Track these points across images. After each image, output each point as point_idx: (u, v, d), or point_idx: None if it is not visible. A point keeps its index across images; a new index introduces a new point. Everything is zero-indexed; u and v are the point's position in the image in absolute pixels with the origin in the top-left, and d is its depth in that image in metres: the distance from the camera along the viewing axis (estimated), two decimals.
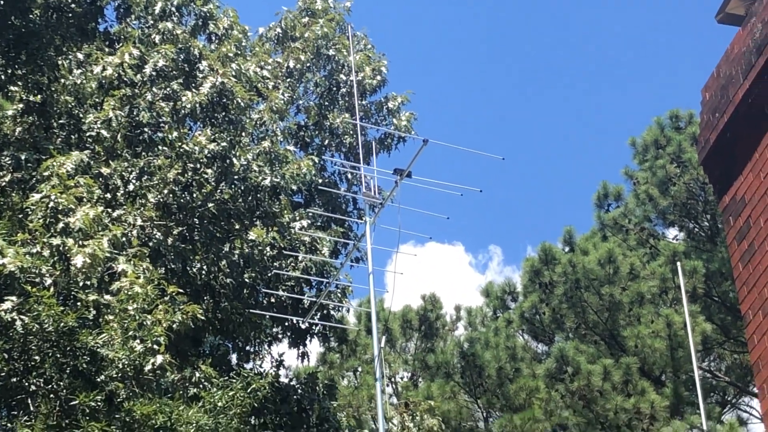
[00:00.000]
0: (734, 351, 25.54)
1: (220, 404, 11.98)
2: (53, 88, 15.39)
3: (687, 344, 21.32)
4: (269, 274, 16.22)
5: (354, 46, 20.21)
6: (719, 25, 7.53)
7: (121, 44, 16.11)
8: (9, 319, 10.62)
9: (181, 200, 15.46)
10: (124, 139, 15.46)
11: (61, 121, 15.60)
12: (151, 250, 14.04)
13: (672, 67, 56.32)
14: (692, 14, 54.63)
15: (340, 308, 18.23)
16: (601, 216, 26.85)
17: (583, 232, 26.73)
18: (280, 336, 17.94)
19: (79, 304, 11.71)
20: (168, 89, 15.75)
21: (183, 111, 15.65)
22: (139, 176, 15.26)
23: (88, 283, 12.11)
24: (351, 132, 19.46)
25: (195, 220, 15.71)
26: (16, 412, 11.13)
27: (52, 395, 10.78)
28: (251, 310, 15.90)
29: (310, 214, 17.32)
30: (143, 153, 15.51)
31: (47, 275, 11.48)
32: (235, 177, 15.82)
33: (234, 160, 15.70)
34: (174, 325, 11.98)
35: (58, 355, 10.81)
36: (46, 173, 12.90)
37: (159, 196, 15.23)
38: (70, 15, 15.54)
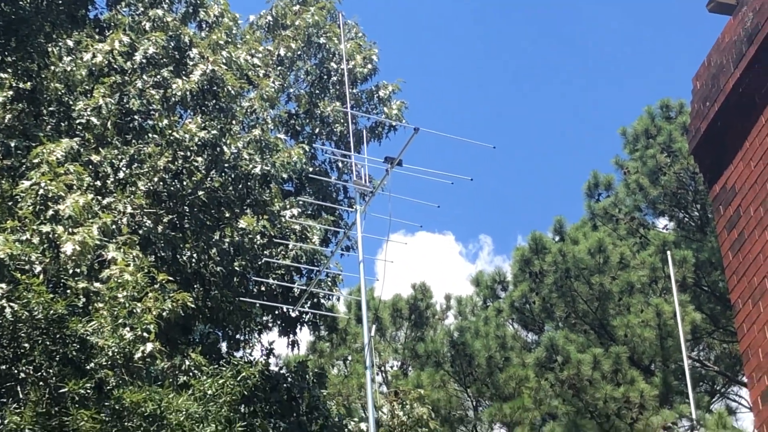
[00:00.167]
0: (723, 340, 25.60)
1: (209, 392, 11.96)
2: (43, 75, 15.34)
3: (676, 334, 21.36)
4: (259, 263, 16.21)
5: (345, 35, 20.19)
6: (710, 14, 7.52)
7: (111, 31, 16.06)
8: None
9: (172, 188, 15.44)
10: (114, 126, 15.43)
11: (51, 109, 15.55)
12: (141, 238, 14.02)
13: (663, 56, 56.39)
14: (683, 3, 54.67)
15: (331, 297, 18.21)
16: (591, 206, 26.86)
17: (573, 222, 26.78)
18: (270, 324, 17.94)
19: (68, 291, 11.69)
20: (158, 77, 15.72)
21: (173, 99, 15.63)
22: (129, 164, 15.22)
23: (78, 270, 12.09)
24: (342, 120, 19.44)
25: (185, 208, 15.69)
26: (5, 400, 11.10)
27: (41, 383, 10.75)
28: (241, 299, 15.89)
29: (301, 202, 17.30)
30: (133, 140, 15.48)
31: (37, 262, 11.45)
32: (226, 165, 15.80)
33: (224, 148, 15.67)
34: (164, 313, 11.96)
35: (48, 343, 10.78)
36: (35, 160, 12.87)
37: (149, 184, 15.20)
38: (60, 2, 15.50)
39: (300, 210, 17.14)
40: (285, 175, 17.00)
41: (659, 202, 26.32)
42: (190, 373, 13.31)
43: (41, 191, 12.30)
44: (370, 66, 20.00)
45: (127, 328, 11.25)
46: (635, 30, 56.53)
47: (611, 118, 58.06)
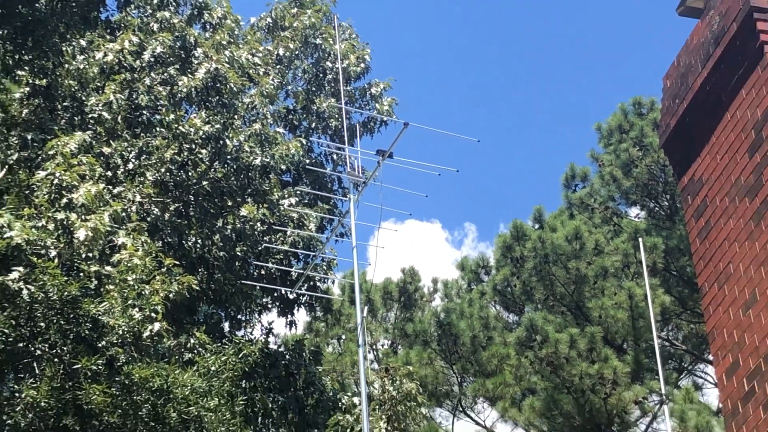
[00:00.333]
0: (691, 321, 25.67)
1: (213, 368, 12.00)
2: (58, 73, 15.31)
3: (647, 315, 21.41)
4: (259, 248, 16.21)
5: (339, 36, 20.14)
6: (680, 17, 7.53)
7: (121, 32, 16.03)
8: (16, 288, 10.59)
9: (178, 178, 15.43)
10: (124, 120, 15.41)
11: (65, 104, 15.53)
12: (149, 225, 14.01)
13: (636, 56, 56.42)
14: (656, 7, 54.65)
15: (326, 280, 18.25)
16: (568, 195, 26.89)
17: (551, 211, 26.80)
18: (269, 306, 17.94)
19: (81, 274, 11.68)
20: (165, 74, 15.70)
21: (179, 95, 15.62)
22: (138, 155, 15.21)
23: (90, 255, 12.08)
24: (336, 116, 19.41)
25: (190, 197, 15.68)
26: (22, 375, 11.12)
27: (56, 359, 10.76)
28: (242, 281, 15.90)
29: (298, 192, 17.29)
30: (142, 134, 15.46)
31: (52, 247, 11.43)
32: (228, 157, 15.79)
33: (227, 141, 15.66)
34: (170, 295, 11.96)
35: (62, 322, 10.79)
36: (51, 152, 12.84)
37: (157, 175, 15.19)
38: (74, 4, 15.43)
39: (297, 199, 17.14)
40: (283, 167, 16.98)
41: (631, 192, 26.36)
42: (195, 351, 13.34)
43: (56, 181, 12.28)
44: (363, 65, 19.97)
45: (136, 309, 11.25)
46: (610, 31, 56.57)
47: (587, 114, 58.14)
